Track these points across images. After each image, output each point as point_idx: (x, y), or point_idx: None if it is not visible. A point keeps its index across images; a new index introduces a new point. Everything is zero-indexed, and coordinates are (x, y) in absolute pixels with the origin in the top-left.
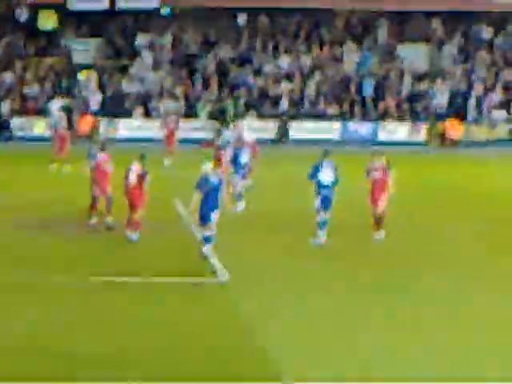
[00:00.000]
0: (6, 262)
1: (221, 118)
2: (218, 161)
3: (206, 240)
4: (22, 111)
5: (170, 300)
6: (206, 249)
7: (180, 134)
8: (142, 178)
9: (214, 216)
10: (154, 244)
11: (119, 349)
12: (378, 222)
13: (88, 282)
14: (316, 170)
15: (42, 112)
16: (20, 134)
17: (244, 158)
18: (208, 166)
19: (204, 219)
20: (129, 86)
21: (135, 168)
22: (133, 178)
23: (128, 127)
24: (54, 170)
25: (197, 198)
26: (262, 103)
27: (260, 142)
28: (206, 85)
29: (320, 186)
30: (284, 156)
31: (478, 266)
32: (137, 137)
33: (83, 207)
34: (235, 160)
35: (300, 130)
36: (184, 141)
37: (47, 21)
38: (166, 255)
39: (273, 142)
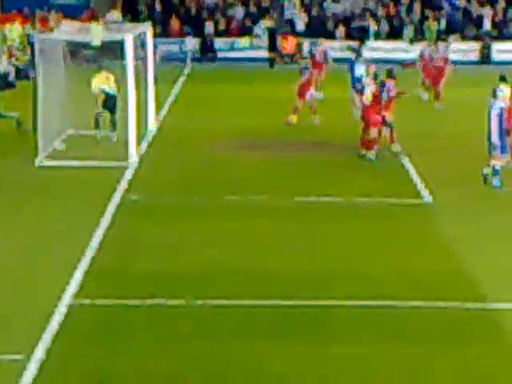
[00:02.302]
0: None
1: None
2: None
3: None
4: (226, 32)
5: (374, 220)
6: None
7: (383, 55)
8: (377, 97)
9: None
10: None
11: (321, 270)
12: None
13: (292, 201)
14: None
15: (246, 33)
16: (223, 54)
17: None
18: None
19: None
20: (332, 7)
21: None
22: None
23: (330, 48)
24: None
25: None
26: (464, 25)
27: (463, 64)
28: (409, 6)
29: None
30: (487, 77)
31: None
32: (338, 57)
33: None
34: None
35: (503, 51)
36: (388, 61)
37: None
38: (372, 176)
39: (476, 63)
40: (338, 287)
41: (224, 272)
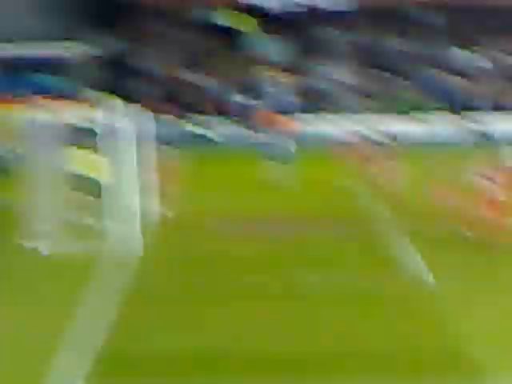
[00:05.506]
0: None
1: None
2: None
3: None
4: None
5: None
6: None
7: None
8: None
9: None
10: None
11: (319, 352)
12: None
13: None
14: None
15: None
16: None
17: None
18: None
19: None
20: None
21: None
22: None
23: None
24: None
25: None
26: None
27: None
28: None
29: None
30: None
31: None
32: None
33: None
34: None
35: None
36: None
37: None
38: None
39: None
40: (337, 369)
41: (217, 357)
